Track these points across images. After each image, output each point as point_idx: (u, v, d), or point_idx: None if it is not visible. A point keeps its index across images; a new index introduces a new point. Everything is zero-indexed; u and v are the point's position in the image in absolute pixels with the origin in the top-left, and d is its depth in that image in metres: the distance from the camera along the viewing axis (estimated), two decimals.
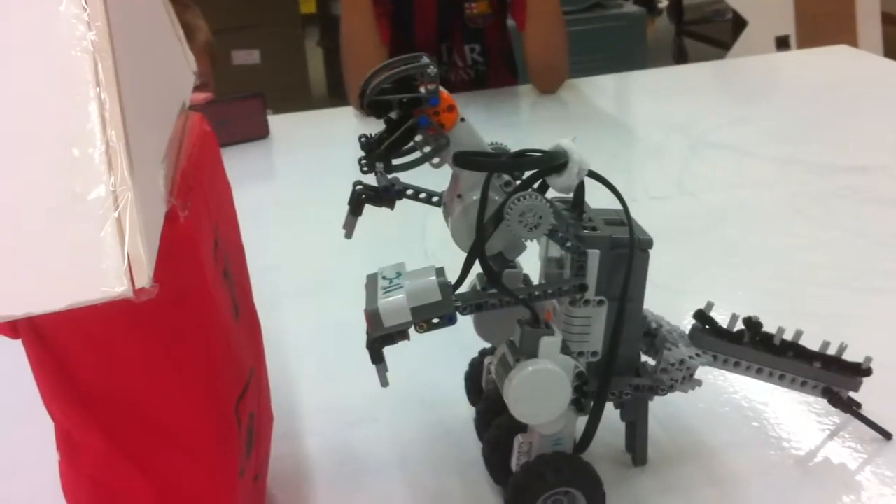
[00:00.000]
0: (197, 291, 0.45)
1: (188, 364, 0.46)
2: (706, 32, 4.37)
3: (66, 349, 0.43)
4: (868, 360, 0.65)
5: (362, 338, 0.55)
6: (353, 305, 0.59)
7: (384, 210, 0.59)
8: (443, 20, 1.66)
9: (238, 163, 1.35)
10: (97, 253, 0.35)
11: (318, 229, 1.11)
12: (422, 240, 1.07)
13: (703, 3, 4.60)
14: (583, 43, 2.68)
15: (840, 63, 1.76)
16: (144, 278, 0.36)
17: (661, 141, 1.40)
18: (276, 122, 1.54)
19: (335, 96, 3.91)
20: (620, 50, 3.06)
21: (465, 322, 0.57)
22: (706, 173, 1.25)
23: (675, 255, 0.95)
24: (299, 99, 3.48)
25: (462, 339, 0.65)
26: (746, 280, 0.93)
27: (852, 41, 3.16)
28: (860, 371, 0.65)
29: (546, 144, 0.54)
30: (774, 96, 1.62)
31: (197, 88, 0.58)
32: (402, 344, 0.55)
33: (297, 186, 1.33)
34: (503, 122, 1.53)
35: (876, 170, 1.19)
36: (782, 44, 3.32)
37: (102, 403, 0.45)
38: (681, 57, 4.32)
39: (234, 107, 1.45)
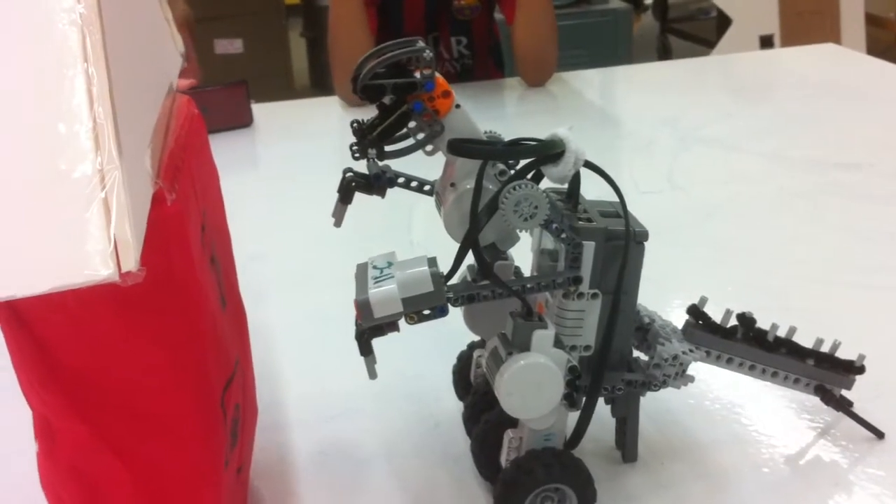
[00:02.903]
0: (184, 276, 0.44)
1: (174, 350, 0.44)
2: (690, 30, 4.37)
3: (48, 334, 0.42)
4: (861, 357, 0.65)
5: (348, 328, 0.54)
6: (337, 296, 0.58)
7: (370, 200, 0.58)
8: (430, 11, 1.64)
9: (221, 150, 1.31)
10: (82, 234, 0.34)
11: (300, 219, 1.10)
12: (408, 231, 1.06)
13: (688, 0, 4.60)
14: (568, 38, 2.67)
15: (827, 61, 1.76)
16: (131, 262, 0.34)
17: (649, 136, 1.39)
18: (259, 110, 1.53)
19: (318, 87, 3.89)
20: (606, 46, 3.06)
21: (454, 314, 0.56)
22: (695, 168, 1.24)
23: (664, 250, 0.94)
24: (282, 89, 3.46)
25: (450, 332, 0.64)
26: (735, 275, 0.92)
27: (836, 41, 3.17)
28: (853, 369, 0.65)
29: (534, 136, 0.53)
30: (762, 93, 1.61)
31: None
32: (389, 335, 0.54)
33: (281, 175, 1.31)
34: (490, 115, 1.51)
35: (862, 166, 1.19)
36: (766, 43, 3.33)
37: (83, 390, 0.44)
38: (665, 54, 4.32)
39: (218, 94, 1.43)
